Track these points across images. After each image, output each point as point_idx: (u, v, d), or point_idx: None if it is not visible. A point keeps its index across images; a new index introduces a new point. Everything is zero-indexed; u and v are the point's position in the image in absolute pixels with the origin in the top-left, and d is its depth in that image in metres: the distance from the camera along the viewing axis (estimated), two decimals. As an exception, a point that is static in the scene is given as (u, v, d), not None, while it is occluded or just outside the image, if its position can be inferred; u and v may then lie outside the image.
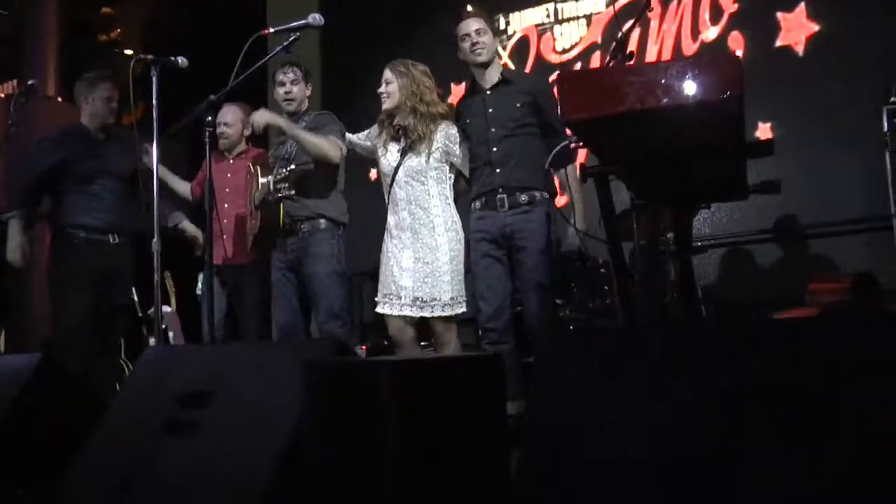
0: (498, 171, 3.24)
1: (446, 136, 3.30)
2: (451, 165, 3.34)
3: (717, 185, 2.45)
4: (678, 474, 1.27)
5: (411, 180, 3.28)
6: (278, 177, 3.31)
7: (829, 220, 4.43)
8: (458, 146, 3.32)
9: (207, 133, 2.73)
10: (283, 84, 3.58)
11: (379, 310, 3.31)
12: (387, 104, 3.33)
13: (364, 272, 4.97)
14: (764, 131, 4.70)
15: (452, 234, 3.26)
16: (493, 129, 3.27)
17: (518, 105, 3.26)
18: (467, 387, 1.46)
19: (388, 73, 3.34)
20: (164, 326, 5.16)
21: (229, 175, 3.91)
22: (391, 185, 3.33)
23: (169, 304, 5.36)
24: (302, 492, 1.54)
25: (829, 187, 4.46)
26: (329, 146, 3.39)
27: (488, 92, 3.33)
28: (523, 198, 3.21)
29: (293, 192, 3.31)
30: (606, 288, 4.14)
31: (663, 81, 1.70)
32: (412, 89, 3.28)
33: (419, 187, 3.27)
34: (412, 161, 3.28)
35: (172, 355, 2.15)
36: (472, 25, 3.30)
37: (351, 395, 1.46)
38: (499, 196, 3.23)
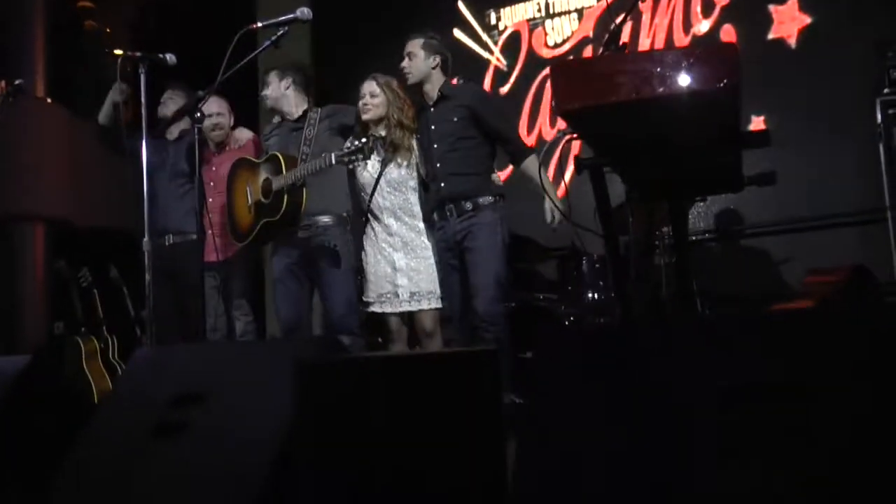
0: (443, 184, 3.40)
1: (418, 147, 3.50)
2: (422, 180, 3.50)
3: (713, 177, 2.43)
4: (674, 471, 1.25)
5: (394, 190, 3.47)
6: (348, 148, 3.17)
7: (824, 212, 4.42)
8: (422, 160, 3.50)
9: (196, 130, 2.69)
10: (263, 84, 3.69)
11: (375, 310, 3.50)
12: (370, 115, 3.47)
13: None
14: (757, 124, 4.68)
15: (432, 240, 3.47)
16: (435, 146, 3.43)
17: (455, 119, 3.41)
18: (461, 382, 1.43)
19: (373, 87, 3.49)
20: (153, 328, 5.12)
21: (214, 168, 3.88)
22: (372, 195, 3.47)
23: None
24: (294, 492, 1.51)
25: (824, 180, 4.44)
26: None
27: (431, 109, 3.50)
28: (468, 205, 3.36)
29: (367, 162, 3.30)
30: (601, 283, 4.12)
31: (658, 70, 1.67)
32: (397, 105, 3.46)
33: (401, 197, 3.47)
34: (393, 173, 3.46)
35: (163, 356, 2.12)
36: (405, 49, 3.49)
37: (343, 394, 1.43)
38: (447, 207, 3.39)
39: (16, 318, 4.79)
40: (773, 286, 4.51)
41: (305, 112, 3.64)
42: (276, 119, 3.77)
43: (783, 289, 4.42)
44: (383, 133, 3.47)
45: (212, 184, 3.85)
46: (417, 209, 3.48)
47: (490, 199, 3.38)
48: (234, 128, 4.00)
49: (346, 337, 3.44)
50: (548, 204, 3.34)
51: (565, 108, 1.67)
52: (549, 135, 5.19)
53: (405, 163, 3.45)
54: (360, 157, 3.12)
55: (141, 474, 1.77)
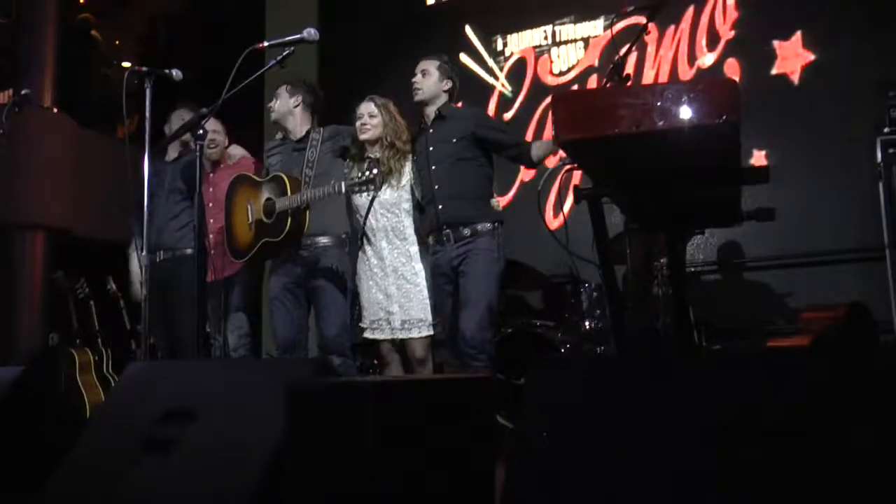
0: (441, 207, 3.37)
1: (412, 169, 3.50)
2: (417, 202, 3.49)
3: (712, 211, 2.44)
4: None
5: (386, 212, 3.47)
6: (361, 178, 3.14)
7: (823, 248, 4.42)
8: (418, 181, 3.49)
9: (199, 147, 2.70)
10: (273, 95, 3.71)
11: (368, 335, 3.50)
12: (367, 135, 3.47)
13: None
14: (759, 158, 4.70)
15: (425, 261, 3.45)
16: (433, 167, 3.41)
17: (454, 140, 3.40)
18: (453, 408, 1.42)
19: (371, 108, 3.50)
20: (151, 340, 5.11)
21: (211, 189, 3.89)
22: (366, 218, 3.48)
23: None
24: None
25: (823, 216, 4.45)
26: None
27: (430, 130, 3.48)
28: (466, 231, 3.33)
29: (377, 193, 3.32)
30: (598, 311, 4.11)
31: (659, 104, 1.68)
32: (393, 126, 3.48)
33: (394, 219, 3.46)
34: (386, 194, 3.45)
35: (155, 371, 2.11)
36: (420, 66, 3.52)
37: (334, 416, 1.43)
38: (444, 232, 3.37)
39: (11, 328, 4.79)
40: (771, 320, 4.50)
41: (308, 132, 3.65)
42: (279, 136, 3.78)
43: (781, 323, 4.42)
44: (378, 154, 3.48)
45: (210, 204, 3.86)
46: (410, 231, 3.46)
47: (489, 225, 3.34)
48: (227, 146, 4.02)
49: (338, 358, 3.45)
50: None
51: (565, 139, 1.67)
52: (551, 162, 5.20)
53: (397, 184, 3.44)
54: (371, 187, 3.14)
55: (129, 489, 1.76)
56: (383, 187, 3.41)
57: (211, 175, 3.94)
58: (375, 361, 4.15)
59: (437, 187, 3.37)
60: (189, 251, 3.69)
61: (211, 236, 3.82)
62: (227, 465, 1.67)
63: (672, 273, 2.19)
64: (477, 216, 3.34)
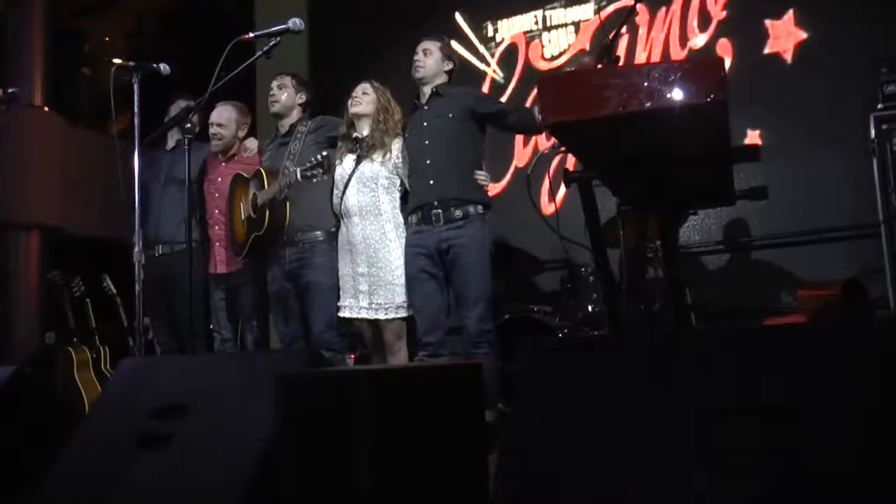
0: (432, 182, 3.33)
1: (400, 149, 3.47)
2: (401, 180, 3.47)
3: (704, 191, 2.42)
4: (657, 488, 1.23)
5: (363, 187, 3.41)
6: (310, 163, 3.20)
7: (818, 226, 4.42)
8: (406, 161, 3.46)
9: (187, 140, 2.69)
10: (271, 88, 3.70)
11: (341, 314, 3.47)
12: (357, 109, 3.48)
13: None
14: (753, 138, 4.68)
15: (401, 242, 3.39)
16: (427, 142, 3.38)
17: (450, 115, 3.38)
18: (445, 396, 1.42)
19: (366, 86, 3.53)
20: (150, 337, 5.11)
21: (220, 180, 3.86)
22: (343, 194, 3.44)
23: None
24: (276, 505, 1.50)
25: (818, 194, 4.44)
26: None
27: (425, 107, 3.47)
28: (458, 213, 3.29)
29: (326, 177, 3.31)
30: (595, 296, 4.11)
31: (646, 85, 1.66)
32: (384, 104, 3.48)
33: (369, 194, 3.40)
34: (365, 168, 3.41)
35: (148, 367, 2.11)
36: (422, 45, 3.52)
37: (326, 407, 1.42)
38: (434, 211, 3.31)
39: (8, 327, 4.78)
40: (768, 299, 4.50)
41: (294, 125, 3.65)
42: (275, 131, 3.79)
43: (778, 302, 4.42)
44: (366, 132, 3.47)
45: (217, 195, 3.84)
46: (387, 208, 3.40)
47: (480, 209, 3.33)
48: (245, 137, 3.94)
49: (326, 352, 3.45)
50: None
51: (552, 122, 1.66)
52: (545, 147, 5.19)
53: (379, 158, 3.41)
54: (321, 171, 3.16)
55: (124, 485, 1.76)
56: (364, 161, 3.41)
57: (223, 165, 3.88)
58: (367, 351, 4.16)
59: (429, 161, 3.34)
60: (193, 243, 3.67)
61: (217, 227, 3.81)
62: (220, 458, 1.67)
63: (665, 255, 2.19)
64: (469, 197, 3.31)
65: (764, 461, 1.25)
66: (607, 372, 1.36)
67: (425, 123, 3.41)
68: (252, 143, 3.93)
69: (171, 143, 4.00)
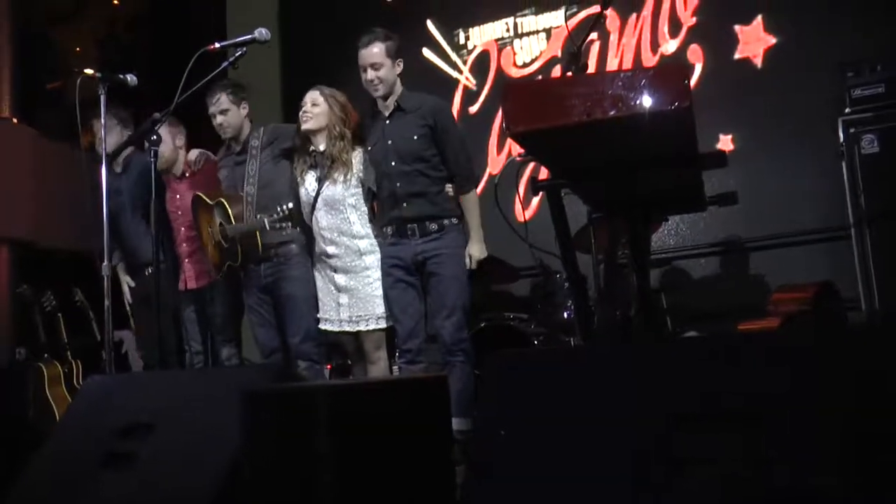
0: (405, 205, 3.29)
1: (360, 160, 3.38)
2: (368, 189, 3.39)
3: (674, 197, 2.43)
4: (622, 494, 1.23)
5: (330, 209, 3.37)
6: (277, 216, 3.24)
7: (791, 230, 4.46)
8: (370, 169, 3.38)
9: (153, 153, 2.65)
10: (213, 116, 3.56)
11: (321, 326, 3.47)
12: (308, 125, 3.35)
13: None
14: (725, 143, 4.72)
15: (376, 255, 3.37)
16: (393, 163, 3.30)
17: (415, 137, 3.27)
18: (409, 410, 1.40)
19: (315, 96, 3.38)
20: (124, 351, 5.06)
21: (179, 197, 3.83)
22: (311, 214, 3.40)
23: (130, 328, 5.25)
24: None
25: (790, 197, 4.48)
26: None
27: (387, 121, 3.35)
28: (433, 226, 3.28)
29: (297, 228, 3.37)
30: (570, 303, 4.11)
31: (610, 92, 1.66)
32: (339, 115, 3.35)
33: (339, 216, 3.36)
34: (329, 190, 3.36)
35: (113, 385, 2.07)
36: (366, 58, 3.29)
37: (289, 424, 1.40)
38: (409, 226, 3.29)
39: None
40: (743, 303, 4.52)
41: (247, 140, 3.56)
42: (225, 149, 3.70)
43: (753, 305, 4.44)
44: (322, 147, 3.38)
45: (179, 213, 3.81)
46: (357, 228, 3.36)
47: (455, 220, 3.31)
48: (185, 152, 3.88)
49: (304, 363, 3.44)
50: (468, 247, 3.30)
51: (515, 131, 1.65)
52: (518, 154, 5.19)
53: (342, 178, 3.32)
54: (290, 223, 3.22)
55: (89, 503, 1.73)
56: (327, 183, 3.34)
57: (177, 183, 3.86)
58: (350, 361, 4.13)
59: (398, 185, 3.29)
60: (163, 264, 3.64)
61: (184, 245, 3.80)
62: (185, 476, 1.64)
63: (635, 261, 2.19)
64: (442, 213, 3.29)
65: (725, 469, 1.24)
66: (567, 384, 1.35)
67: (390, 142, 3.31)
68: (195, 155, 3.87)
69: (120, 165, 3.94)
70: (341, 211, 3.36)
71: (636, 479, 1.21)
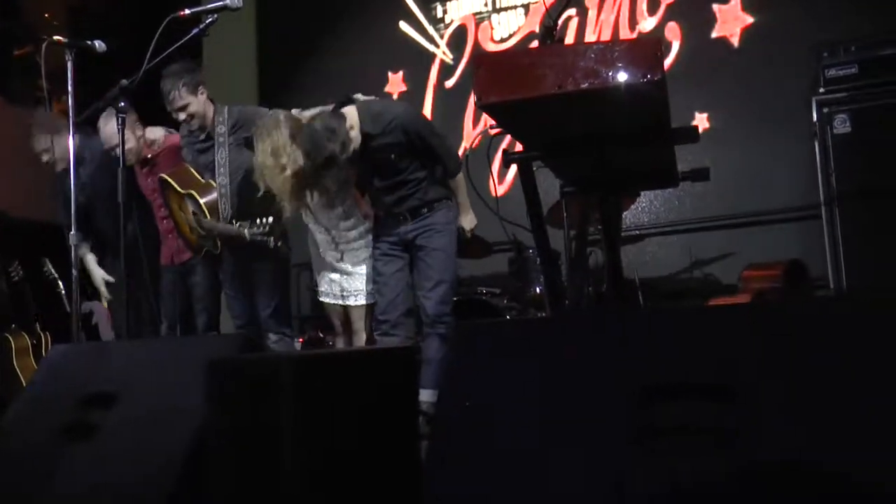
0: (395, 210, 3.34)
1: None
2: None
3: (647, 173, 2.43)
4: (590, 466, 1.23)
5: (322, 226, 3.52)
6: (258, 229, 3.24)
7: (764, 208, 4.50)
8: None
9: (121, 120, 2.61)
10: (174, 114, 3.44)
11: (320, 298, 3.61)
12: (290, 212, 3.26)
13: (300, 263, 4.89)
14: (701, 121, 4.74)
15: (367, 240, 3.48)
16: (375, 182, 3.34)
17: (392, 157, 3.24)
18: (374, 380, 1.40)
19: (282, 140, 3.10)
20: (94, 322, 5.00)
21: (150, 180, 3.79)
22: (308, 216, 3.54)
23: (100, 299, 5.19)
24: (205, 494, 1.47)
25: (764, 176, 4.52)
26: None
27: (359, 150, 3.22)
28: (424, 210, 3.33)
29: (279, 242, 3.36)
30: (542, 279, 4.12)
31: (581, 64, 1.65)
32: (307, 171, 3.08)
33: (331, 212, 3.44)
34: (323, 221, 3.50)
35: (78, 354, 2.05)
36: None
37: (253, 393, 1.39)
38: (401, 216, 3.34)
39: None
40: (714, 280, 4.56)
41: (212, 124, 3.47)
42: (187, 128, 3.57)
43: (724, 283, 4.48)
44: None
45: (156, 194, 3.78)
46: (348, 224, 3.47)
47: (444, 200, 3.36)
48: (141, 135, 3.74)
49: (274, 335, 3.46)
50: (460, 220, 3.40)
51: (486, 102, 1.63)
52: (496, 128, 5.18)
53: (329, 214, 3.43)
54: (272, 237, 3.22)
55: (50, 477, 1.71)
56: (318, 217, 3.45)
57: (146, 169, 3.79)
58: (321, 334, 4.16)
59: (386, 198, 3.33)
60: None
61: (165, 221, 3.76)
62: (150, 446, 1.62)
63: (606, 237, 2.18)
64: (433, 198, 3.34)
65: (697, 441, 1.25)
66: (537, 353, 1.35)
67: (373, 164, 3.28)
68: (153, 133, 3.77)
69: (87, 166, 3.81)
70: (335, 225, 3.49)
71: (606, 451, 1.22)
